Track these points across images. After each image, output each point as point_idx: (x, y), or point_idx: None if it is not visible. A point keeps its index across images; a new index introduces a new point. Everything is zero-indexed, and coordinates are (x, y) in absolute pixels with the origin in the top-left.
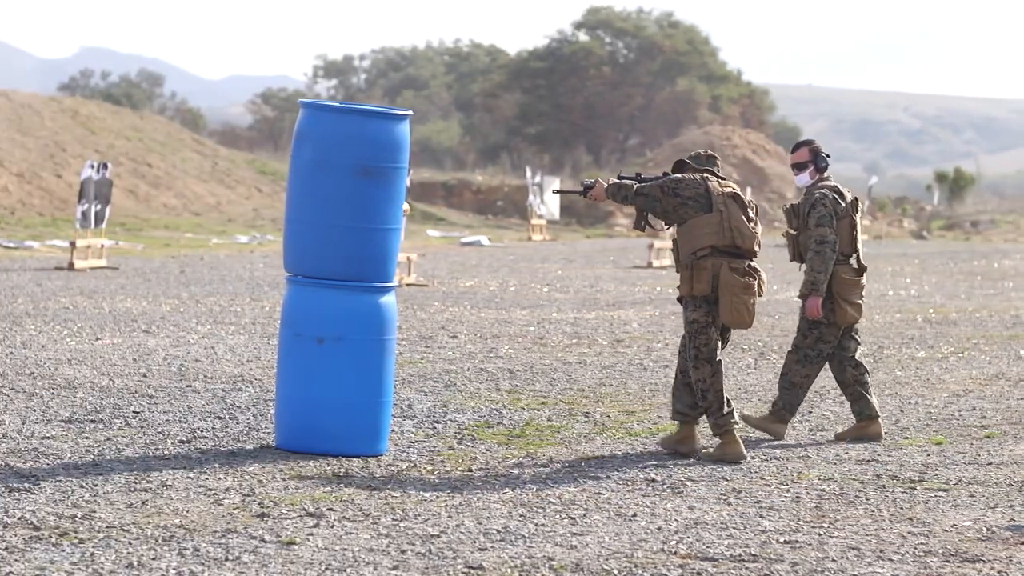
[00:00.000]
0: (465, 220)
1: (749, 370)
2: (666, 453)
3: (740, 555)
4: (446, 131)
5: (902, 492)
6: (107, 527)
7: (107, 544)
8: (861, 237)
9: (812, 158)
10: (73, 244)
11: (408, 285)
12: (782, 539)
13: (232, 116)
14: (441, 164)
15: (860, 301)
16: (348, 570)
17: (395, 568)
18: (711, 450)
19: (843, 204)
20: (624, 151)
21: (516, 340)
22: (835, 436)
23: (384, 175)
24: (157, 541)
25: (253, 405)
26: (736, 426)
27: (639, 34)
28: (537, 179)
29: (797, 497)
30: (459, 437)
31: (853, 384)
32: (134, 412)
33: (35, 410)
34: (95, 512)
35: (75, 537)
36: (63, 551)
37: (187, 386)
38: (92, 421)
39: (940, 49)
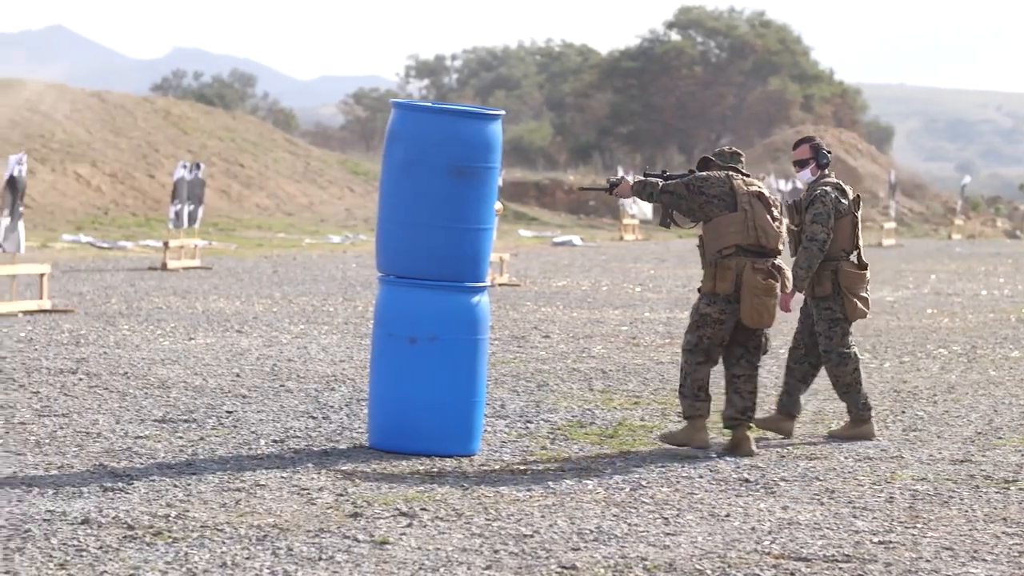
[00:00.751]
0: (557, 220)
1: None
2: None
3: (833, 555)
4: (538, 131)
5: (996, 492)
6: (201, 526)
7: (201, 543)
8: (862, 235)
9: (813, 155)
10: (166, 244)
11: (500, 285)
12: (875, 539)
13: (324, 116)
14: (533, 164)
15: (867, 295)
16: (441, 570)
17: (488, 568)
18: (675, 431)
19: (845, 202)
20: None
21: (608, 340)
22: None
23: (476, 175)
24: (251, 540)
25: (346, 405)
26: (708, 414)
27: (731, 33)
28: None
29: (890, 497)
30: (552, 437)
31: (799, 381)
32: (227, 412)
33: (129, 410)
34: (189, 511)
35: (169, 536)
36: (157, 550)
37: (280, 386)
38: (185, 421)
39: None
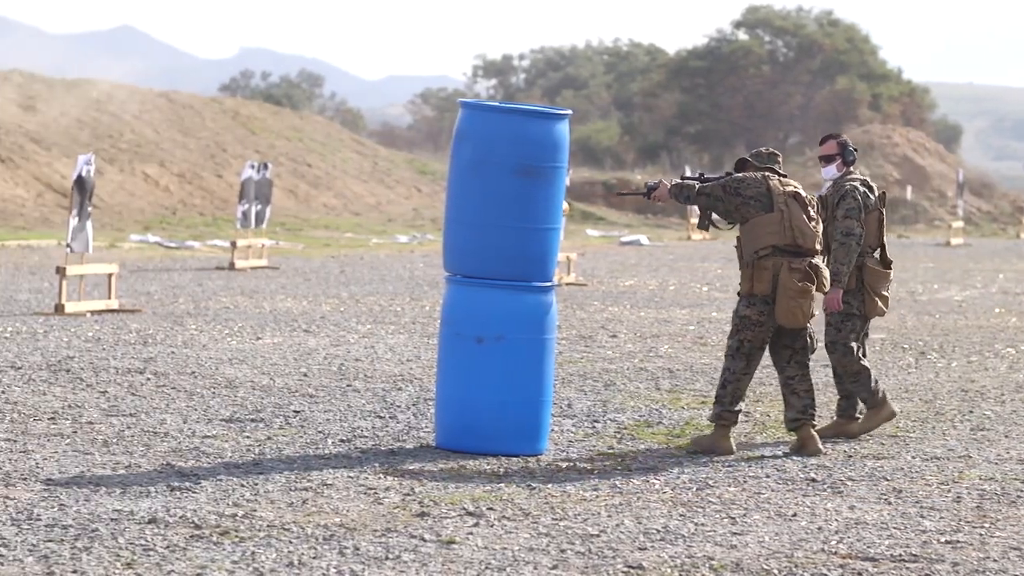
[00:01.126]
0: (624, 219)
1: (910, 369)
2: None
3: (901, 555)
4: (605, 131)
5: None
6: (268, 526)
7: (268, 543)
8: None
9: (840, 151)
10: (234, 244)
11: (567, 284)
12: (943, 539)
13: (391, 116)
14: (600, 163)
15: (887, 294)
16: (508, 569)
17: (555, 567)
18: (701, 436)
19: (872, 198)
20: (784, 150)
21: (676, 339)
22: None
23: (544, 175)
24: (317, 540)
25: (413, 404)
26: (734, 426)
27: (798, 33)
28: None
29: (958, 497)
30: (619, 436)
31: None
32: (294, 411)
33: (196, 409)
34: (256, 511)
35: (236, 536)
36: (224, 550)
37: (347, 385)
38: (253, 420)
39: None
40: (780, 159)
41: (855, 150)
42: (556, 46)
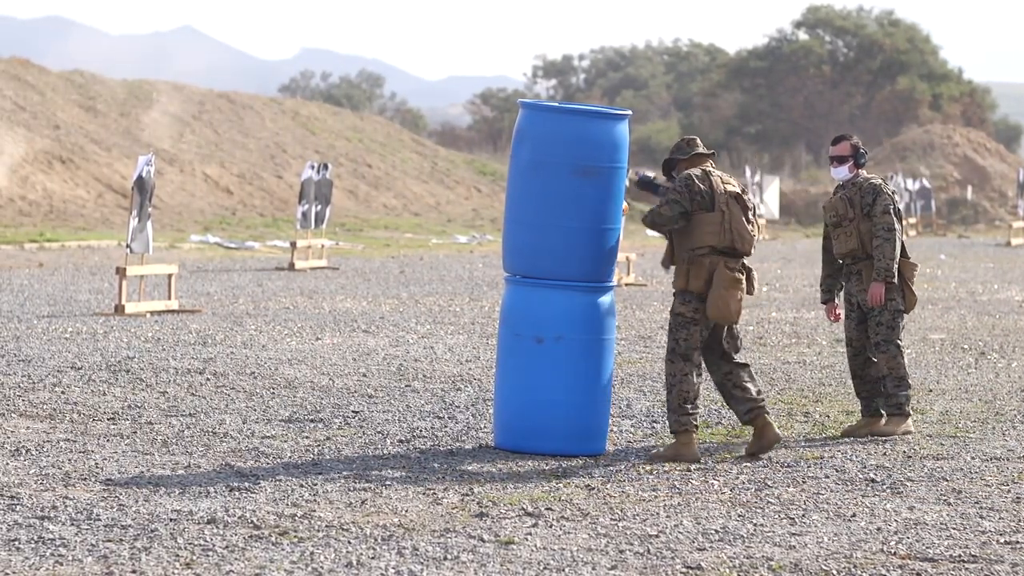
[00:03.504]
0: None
1: (970, 369)
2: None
3: (960, 556)
4: (665, 131)
5: None
6: (326, 526)
7: (326, 543)
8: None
9: (852, 153)
10: (294, 244)
11: (627, 285)
12: (1002, 540)
13: (451, 116)
14: (660, 164)
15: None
16: (566, 570)
17: (613, 568)
18: (662, 450)
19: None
20: None
21: None
22: (852, 431)
23: (603, 175)
24: (376, 540)
25: (472, 405)
26: (695, 428)
27: (859, 32)
28: (757, 178)
29: (1018, 498)
30: None
31: (877, 380)
32: (354, 412)
33: (256, 410)
34: (315, 511)
35: (295, 536)
36: (283, 550)
37: (406, 386)
38: (312, 421)
39: None
40: (699, 142)
41: (866, 153)
42: (616, 46)
